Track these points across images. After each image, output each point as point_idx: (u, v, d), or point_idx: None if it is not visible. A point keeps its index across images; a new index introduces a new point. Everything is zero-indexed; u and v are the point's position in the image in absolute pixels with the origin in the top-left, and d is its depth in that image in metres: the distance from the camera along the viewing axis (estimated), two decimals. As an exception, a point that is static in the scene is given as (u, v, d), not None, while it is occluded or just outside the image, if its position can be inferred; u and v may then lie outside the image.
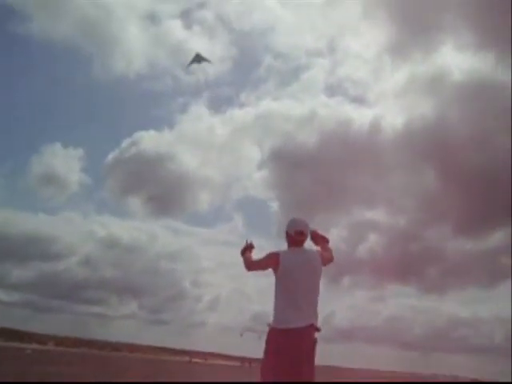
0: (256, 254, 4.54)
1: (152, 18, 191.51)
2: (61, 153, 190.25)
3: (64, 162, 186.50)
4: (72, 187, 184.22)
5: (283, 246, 4.41)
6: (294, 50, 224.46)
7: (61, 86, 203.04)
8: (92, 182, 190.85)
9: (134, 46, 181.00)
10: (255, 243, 4.63)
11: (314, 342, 4.08)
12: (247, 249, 4.57)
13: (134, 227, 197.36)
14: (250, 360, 70.44)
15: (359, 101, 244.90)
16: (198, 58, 11.57)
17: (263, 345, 4.16)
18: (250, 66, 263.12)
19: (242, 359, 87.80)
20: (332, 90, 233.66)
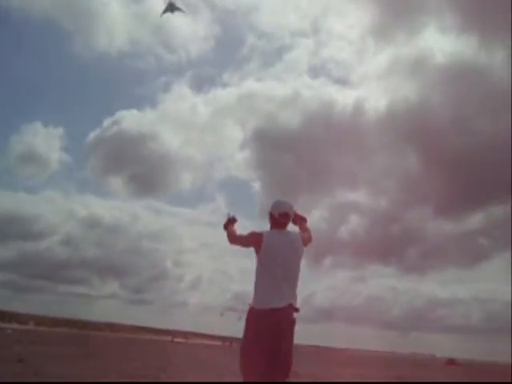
0: (238, 230, 4.55)
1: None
2: (41, 132, 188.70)
3: (44, 140, 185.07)
4: (53, 166, 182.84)
5: (266, 226, 4.44)
6: (278, 30, 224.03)
7: (41, 63, 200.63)
8: (73, 162, 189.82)
9: (115, 23, 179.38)
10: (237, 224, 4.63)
11: (293, 321, 4.15)
12: (230, 222, 4.58)
13: (115, 207, 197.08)
14: (231, 340, 71.04)
15: (342, 82, 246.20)
16: (172, 8, 11.28)
17: (244, 324, 4.19)
18: (233, 45, 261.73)
19: (224, 339, 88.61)
20: (315, 70, 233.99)
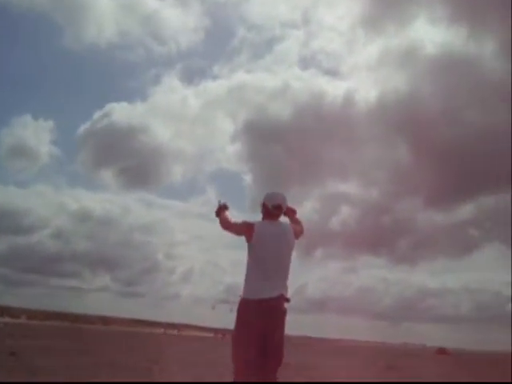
0: (231, 218, 4.56)
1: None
2: (31, 125, 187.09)
3: (34, 134, 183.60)
4: (43, 160, 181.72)
5: (257, 218, 4.47)
6: (268, 21, 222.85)
7: (30, 56, 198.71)
8: (63, 155, 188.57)
9: (104, 14, 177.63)
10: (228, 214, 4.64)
11: (284, 312, 4.20)
12: (221, 209, 4.58)
13: (106, 200, 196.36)
14: (224, 332, 71.23)
15: (333, 73, 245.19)
16: None
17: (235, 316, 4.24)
18: (224, 37, 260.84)
19: (216, 331, 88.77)
20: (305, 62, 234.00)
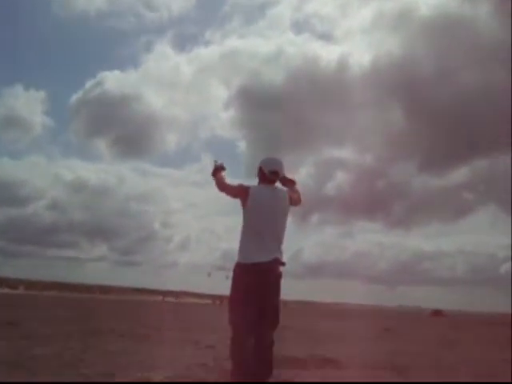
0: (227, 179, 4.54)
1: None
2: (22, 95, 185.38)
3: (26, 104, 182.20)
4: (35, 130, 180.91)
5: (252, 184, 4.42)
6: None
7: (20, 25, 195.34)
8: (56, 125, 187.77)
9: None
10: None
11: (279, 275, 4.20)
12: (218, 170, 4.54)
13: (101, 170, 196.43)
14: (222, 298, 71.91)
15: (326, 37, 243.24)
16: None
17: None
18: (215, 2, 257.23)
19: (214, 297, 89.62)
20: (299, 26, 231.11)
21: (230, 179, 4.47)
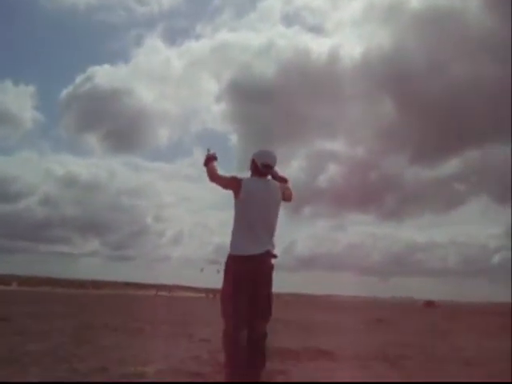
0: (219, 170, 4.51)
1: None
2: (12, 90, 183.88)
3: (16, 100, 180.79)
4: (26, 126, 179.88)
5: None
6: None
7: (8, 19, 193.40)
8: (46, 120, 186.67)
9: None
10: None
11: (271, 267, 4.22)
12: (210, 159, 4.52)
13: (92, 164, 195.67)
14: (215, 291, 71.96)
15: (317, 30, 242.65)
16: None
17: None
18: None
19: (207, 291, 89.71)
20: (289, 19, 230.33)
21: (222, 172, 4.44)
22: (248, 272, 4.08)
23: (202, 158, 4.53)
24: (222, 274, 4.25)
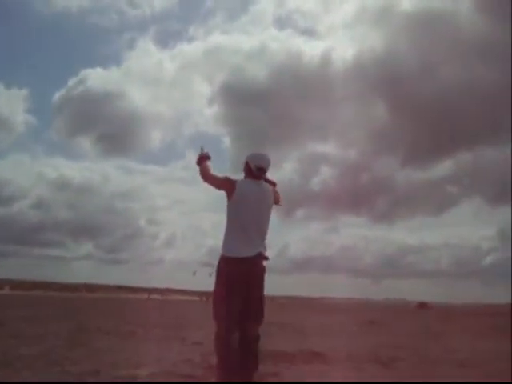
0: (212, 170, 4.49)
1: None
2: (4, 94, 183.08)
3: (8, 103, 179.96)
4: (18, 129, 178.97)
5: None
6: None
7: (0, 22, 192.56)
8: (39, 123, 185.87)
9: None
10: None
11: (263, 270, 4.23)
12: (203, 158, 4.51)
13: (85, 168, 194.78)
14: (208, 294, 71.79)
15: (309, 33, 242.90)
16: None
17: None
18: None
19: (201, 294, 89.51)
20: (281, 22, 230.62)
21: (215, 174, 4.43)
22: (241, 274, 4.08)
23: (194, 159, 4.52)
24: (213, 278, 4.24)
